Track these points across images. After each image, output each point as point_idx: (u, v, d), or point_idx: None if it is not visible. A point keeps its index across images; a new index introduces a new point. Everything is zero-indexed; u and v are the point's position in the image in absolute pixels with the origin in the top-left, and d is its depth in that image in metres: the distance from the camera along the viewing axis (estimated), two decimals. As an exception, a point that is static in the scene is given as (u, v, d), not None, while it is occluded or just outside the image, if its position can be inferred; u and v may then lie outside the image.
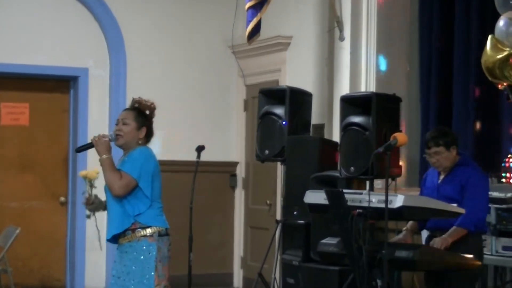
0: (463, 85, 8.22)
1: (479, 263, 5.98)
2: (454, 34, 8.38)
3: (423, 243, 6.38)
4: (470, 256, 5.81)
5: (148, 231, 5.55)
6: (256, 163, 9.08)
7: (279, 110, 8.05)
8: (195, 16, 10.24)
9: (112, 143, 5.66)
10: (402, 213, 5.69)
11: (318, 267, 6.94)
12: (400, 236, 6.36)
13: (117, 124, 5.69)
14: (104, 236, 5.83)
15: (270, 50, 9.81)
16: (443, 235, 6.03)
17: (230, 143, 10.39)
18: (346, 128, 6.94)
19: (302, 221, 7.45)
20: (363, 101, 6.92)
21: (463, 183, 6.15)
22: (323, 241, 6.29)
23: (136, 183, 5.53)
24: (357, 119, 6.88)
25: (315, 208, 6.26)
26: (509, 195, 6.70)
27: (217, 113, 10.35)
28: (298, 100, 8.11)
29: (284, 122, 7.96)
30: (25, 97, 9.86)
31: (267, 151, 8.03)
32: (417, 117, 8.74)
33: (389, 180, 5.71)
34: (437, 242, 5.99)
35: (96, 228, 6.08)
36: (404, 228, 6.40)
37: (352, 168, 6.79)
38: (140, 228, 5.55)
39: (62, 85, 10.02)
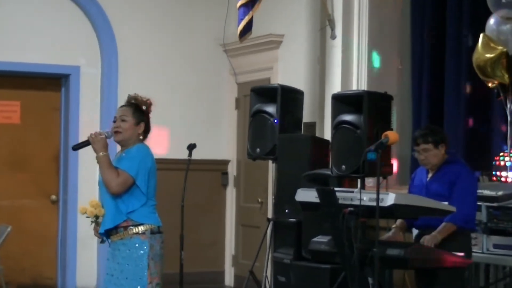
0: (454, 83, 8.24)
1: (469, 261, 6.01)
2: (446, 32, 8.39)
3: (413, 240, 6.39)
4: (460, 254, 5.83)
5: (141, 228, 5.55)
6: (247, 161, 9.09)
7: (271, 108, 8.04)
8: (187, 15, 10.23)
9: (109, 139, 5.66)
10: (393, 211, 5.69)
11: (309, 265, 6.94)
12: (390, 233, 6.36)
13: (114, 121, 5.69)
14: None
15: (262, 48, 9.80)
16: (433, 233, 6.04)
17: (222, 141, 10.39)
18: (337, 126, 6.93)
19: (293, 219, 7.45)
20: (355, 99, 6.91)
21: (452, 180, 6.17)
22: (315, 239, 6.29)
23: (133, 181, 5.52)
24: (348, 117, 6.86)
25: (306, 206, 6.25)
26: (500, 193, 6.71)
27: (208, 111, 10.35)
28: (289, 98, 8.11)
29: (275, 120, 7.95)
30: (16, 95, 9.84)
31: (258, 149, 8.03)
32: (408, 115, 8.76)
33: (381, 178, 5.71)
34: (427, 240, 6.00)
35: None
36: (394, 226, 6.40)
37: (343, 166, 6.78)
38: (132, 225, 5.54)
39: (53, 83, 10.00)
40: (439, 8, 8.53)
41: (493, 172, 7.31)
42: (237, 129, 10.33)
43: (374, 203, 5.48)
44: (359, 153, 6.32)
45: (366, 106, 6.75)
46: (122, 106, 5.78)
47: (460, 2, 8.23)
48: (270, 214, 8.70)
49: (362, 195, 5.68)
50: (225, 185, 10.43)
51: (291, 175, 7.54)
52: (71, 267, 9.73)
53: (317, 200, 5.92)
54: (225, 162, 10.44)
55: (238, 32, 8.65)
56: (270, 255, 7.91)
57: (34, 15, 9.64)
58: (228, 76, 10.43)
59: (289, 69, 9.40)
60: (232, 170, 10.41)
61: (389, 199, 5.61)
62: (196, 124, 10.17)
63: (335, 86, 8.50)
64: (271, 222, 7.89)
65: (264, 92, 8.24)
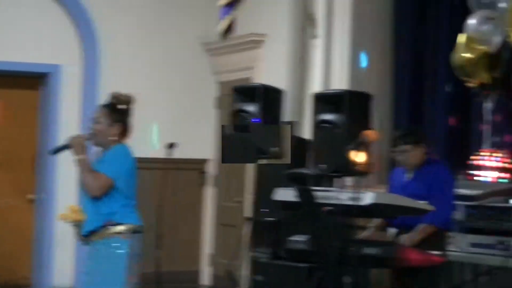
0: (434, 83, 8.26)
1: (446, 259, 6.02)
2: (426, 32, 8.42)
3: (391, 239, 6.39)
4: (436, 252, 5.84)
5: (121, 228, 5.54)
6: (227, 160, 9.06)
7: (252, 108, 8.02)
8: (168, 13, 10.19)
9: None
10: (372, 211, 5.69)
11: (287, 264, 6.91)
12: (367, 233, 6.36)
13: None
14: None
15: (243, 47, 9.78)
16: (411, 232, 6.04)
17: (202, 140, 10.34)
18: (318, 125, 6.93)
19: (271, 219, 7.43)
20: (336, 99, 6.90)
21: (431, 181, 6.17)
22: (292, 238, 6.27)
23: (112, 183, 5.50)
24: (329, 116, 6.85)
25: (285, 205, 6.24)
26: (477, 192, 6.75)
27: (189, 110, 10.31)
28: (271, 98, 8.09)
29: (253, 120, 7.92)
30: (-4, 94, 9.80)
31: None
32: (389, 114, 8.76)
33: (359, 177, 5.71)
34: (405, 239, 6.00)
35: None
36: (371, 225, 6.40)
37: (323, 165, 6.78)
38: (112, 225, 5.53)
39: (33, 81, 9.93)
40: (420, 8, 8.56)
41: (470, 172, 7.34)
42: (217, 128, 10.29)
43: (353, 202, 5.47)
44: (339, 152, 6.30)
45: (347, 105, 6.73)
46: (99, 107, 5.75)
47: (440, 2, 8.26)
48: (249, 213, 8.68)
49: (341, 194, 5.68)
50: (204, 184, 10.40)
51: (270, 174, 7.52)
52: (47, 266, 9.66)
53: (296, 199, 5.90)
54: (205, 161, 10.41)
55: (220, 31, 8.66)
56: (248, 254, 7.89)
57: (15, 13, 9.57)
58: (209, 75, 10.40)
59: (271, 69, 9.37)
60: (211, 169, 10.38)
61: (368, 198, 5.62)
62: (176, 123, 10.13)
63: (316, 85, 8.52)
64: (249, 221, 7.87)
65: (246, 91, 8.21)
